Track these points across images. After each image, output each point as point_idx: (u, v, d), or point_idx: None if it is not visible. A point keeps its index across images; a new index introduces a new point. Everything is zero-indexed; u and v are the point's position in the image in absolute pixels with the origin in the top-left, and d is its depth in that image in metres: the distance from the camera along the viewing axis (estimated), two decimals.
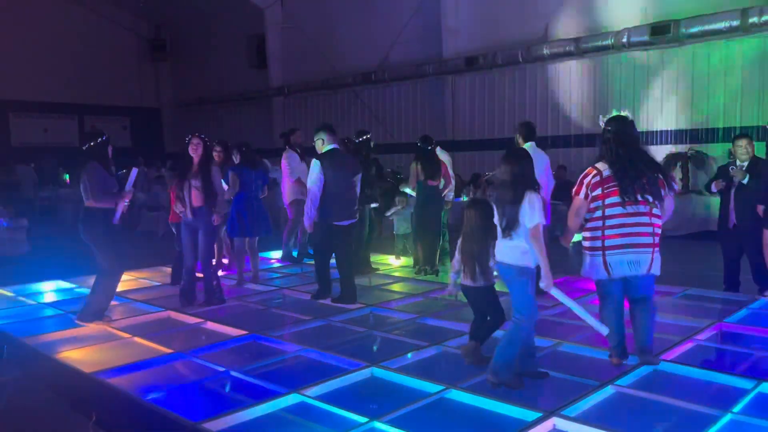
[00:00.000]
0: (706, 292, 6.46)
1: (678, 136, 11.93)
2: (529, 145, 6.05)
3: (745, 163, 6.26)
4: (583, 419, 3.50)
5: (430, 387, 4.00)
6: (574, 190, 4.30)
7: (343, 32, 17.50)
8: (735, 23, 10.54)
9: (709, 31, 10.92)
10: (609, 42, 12.14)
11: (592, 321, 4.13)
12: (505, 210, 3.97)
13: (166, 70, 24.68)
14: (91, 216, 5.52)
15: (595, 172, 4.20)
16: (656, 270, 4.24)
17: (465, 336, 5.06)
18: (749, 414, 3.56)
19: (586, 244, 4.28)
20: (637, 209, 4.11)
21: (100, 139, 5.59)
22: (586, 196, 4.23)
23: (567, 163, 13.15)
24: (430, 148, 7.59)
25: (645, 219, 4.13)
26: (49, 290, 7.36)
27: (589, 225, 4.28)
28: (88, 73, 21.42)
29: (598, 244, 4.19)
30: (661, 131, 12.07)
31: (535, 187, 3.99)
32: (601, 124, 4.33)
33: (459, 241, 4.47)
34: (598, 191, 4.17)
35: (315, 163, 6.17)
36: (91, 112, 22.25)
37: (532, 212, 3.87)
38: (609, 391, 3.93)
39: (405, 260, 8.66)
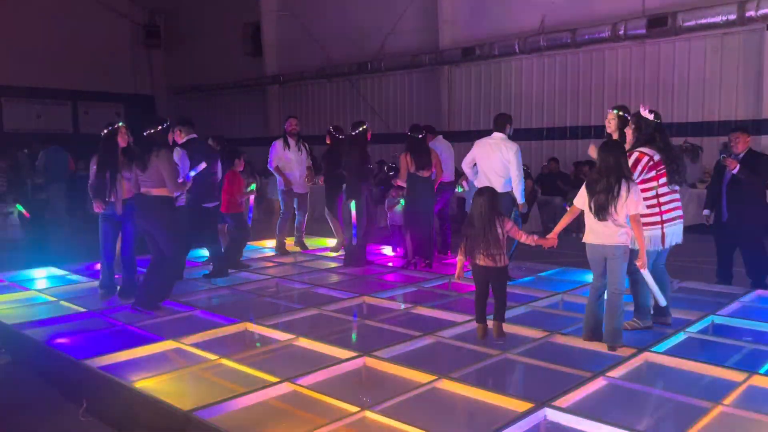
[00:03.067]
0: (698, 285, 6.47)
1: (673, 128, 11.93)
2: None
3: (740, 155, 6.26)
4: (575, 410, 3.51)
5: (422, 377, 4.00)
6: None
7: (339, 21, 17.40)
8: (732, 16, 10.56)
9: (706, 24, 10.94)
10: (606, 34, 12.12)
11: (658, 295, 4.66)
12: (598, 197, 4.30)
13: (160, 57, 24.46)
14: (157, 201, 5.43)
15: (647, 157, 4.70)
16: None
17: (458, 326, 5.07)
18: (740, 406, 3.58)
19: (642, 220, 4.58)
20: (676, 188, 4.82)
21: (164, 125, 5.54)
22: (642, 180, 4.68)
23: (560, 156, 13.15)
24: (420, 137, 7.52)
25: (678, 195, 4.88)
26: (41, 277, 7.33)
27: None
28: (82, 58, 21.20)
29: (657, 219, 4.71)
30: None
31: (629, 176, 4.36)
32: (645, 113, 4.84)
33: (464, 226, 4.81)
34: (653, 173, 4.70)
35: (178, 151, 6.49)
36: (84, 98, 22.05)
37: (637, 201, 4.29)
38: (600, 382, 3.94)
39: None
